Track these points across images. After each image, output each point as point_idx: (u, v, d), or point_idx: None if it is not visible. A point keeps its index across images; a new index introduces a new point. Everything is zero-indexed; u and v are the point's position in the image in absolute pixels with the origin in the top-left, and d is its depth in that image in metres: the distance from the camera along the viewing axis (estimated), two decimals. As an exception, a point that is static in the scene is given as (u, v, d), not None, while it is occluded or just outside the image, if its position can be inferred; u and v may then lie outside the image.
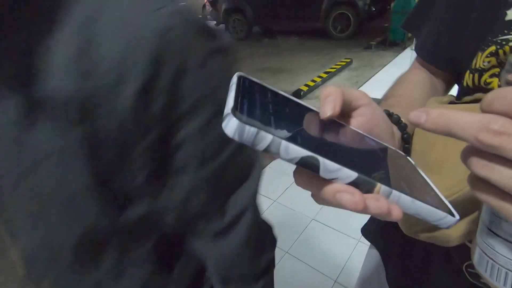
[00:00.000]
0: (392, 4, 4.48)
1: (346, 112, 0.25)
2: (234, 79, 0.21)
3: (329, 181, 0.18)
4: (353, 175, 0.17)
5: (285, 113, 0.21)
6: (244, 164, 0.37)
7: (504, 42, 0.30)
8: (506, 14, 0.30)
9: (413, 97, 0.42)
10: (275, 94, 0.23)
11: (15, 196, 0.32)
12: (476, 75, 0.33)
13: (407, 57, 4.18)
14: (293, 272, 1.48)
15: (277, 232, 1.66)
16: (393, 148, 0.27)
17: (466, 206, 0.23)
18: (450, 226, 0.19)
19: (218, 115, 0.29)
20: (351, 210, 0.17)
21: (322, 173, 0.17)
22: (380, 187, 0.18)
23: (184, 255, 0.41)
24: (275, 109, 0.20)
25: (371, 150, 0.23)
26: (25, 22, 0.28)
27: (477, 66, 0.33)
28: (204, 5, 7.99)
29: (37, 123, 0.28)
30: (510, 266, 0.20)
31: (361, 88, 3.48)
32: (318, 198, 0.19)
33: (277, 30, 7.54)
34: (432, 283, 0.40)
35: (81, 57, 0.28)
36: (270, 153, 0.16)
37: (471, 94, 0.35)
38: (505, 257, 0.20)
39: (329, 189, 0.18)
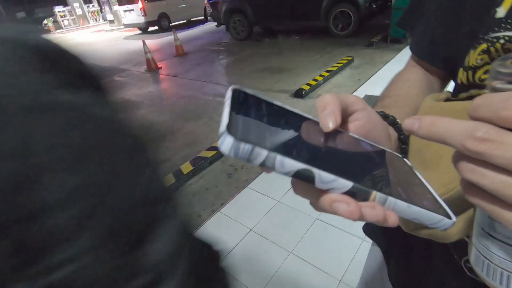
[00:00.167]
0: (392, 1, 4.46)
1: (342, 117, 0.25)
2: (229, 93, 0.21)
3: (325, 191, 0.18)
4: (348, 184, 0.18)
5: (280, 124, 0.21)
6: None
7: (495, 40, 0.30)
8: (496, 11, 0.30)
9: (410, 96, 0.42)
10: (271, 105, 0.23)
11: None
12: (470, 73, 0.33)
13: (408, 54, 4.13)
14: (298, 272, 1.47)
15: (281, 232, 1.67)
16: (390, 150, 0.27)
17: (463, 203, 0.23)
18: (447, 228, 0.19)
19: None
20: (347, 218, 0.18)
21: (317, 184, 0.18)
22: (376, 194, 0.18)
23: None
24: (270, 121, 0.21)
25: (367, 155, 0.23)
26: None
27: (470, 63, 0.33)
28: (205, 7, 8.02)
29: None
30: (506, 265, 0.20)
31: (363, 86, 3.47)
32: (316, 206, 0.20)
33: (277, 29, 7.54)
34: (433, 279, 0.40)
35: None
36: (266, 167, 0.17)
37: (467, 90, 0.35)
38: (500, 257, 0.21)
39: (325, 199, 0.18)
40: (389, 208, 0.19)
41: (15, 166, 0.14)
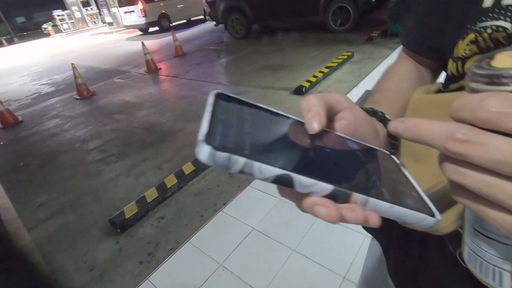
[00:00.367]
0: (391, -6, 4.42)
1: (328, 117, 0.25)
2: (211, 99, 0.21)
3: (306, 194, 0.18)
4: (328, 188, 0.18)
5: (264, 128, 0.21)
6: None
7: (482, 30, 0.29)
8: (483, 1, 0.30)
9: (400, 90, 0.42)
10: (256, 108, 0.23)
11: None
12: (459, 63, 0.33)
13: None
14: (301, 270, 1.47)
15: (283, 230, 1.68)
16: (377, 148, 0.27)
17: None
18: (431, 226, 0.19)
19: None
20: (327, 222, 0.18)
21: (297, 189, 0.18)
22: (357, 196, 0.19)
23: None
24: (254, 125, 0.21)
25: (353, 155, 0.23)
26: None
27: (459, 54, 0.33)
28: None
29: None
30: (497, 262, 0.21)
31: (363, 81, 3.45)
32: (300, 208, 0.20)
33: (276, 27, 7.52)
34: (430, 271, 0.40)
35: None
36: (245, 174, 0.17)
37: (457, 81, 0.34)
38: (491, 254, 0.21)
39: (306, 202, 0.19)
40: (371, 209, 0.19)
41: None
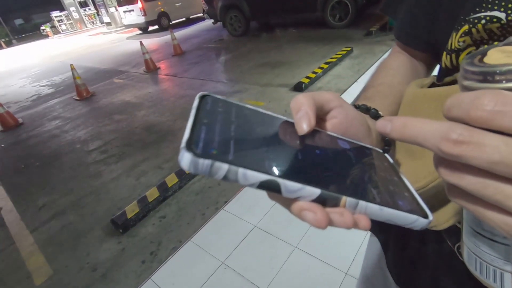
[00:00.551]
0: (390, -12, 4.38)
1: (319, 116, 0.24)
2: (196, 102, 0.21)
3: (294, 199, 0.18)
4: (316, 192, 0.18)
5: (251, 131, 0.21)
6: None
7: (476, 21, 0.29)
8: None
9: (393, 84, 0.41)
10: (242, 109, 0.23)
11: None
12: (453, 56, 0.33)
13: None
14: (304, 266, 1.47)
15: (285, 228, 1.68)
16: (370, 146, 0.26)
17: None
18: (423, 227, 0.19)
19: None
20: (315, 227, 0.17)
21: (284, 194, 0.17)
22: (346, 200, 0.18)
23: None
24: (240, 128, 0.20)
25: (343, 155, 0.23)
26: None
27: (453, 46, 0.32)
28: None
29: None
30: (497, 263, 0.20)
31: (363, 76, 3.43)
32: (290, 212, 0.20)
33: (275, 23, 7.49)
34: (428, 265, 0.40)
35: None
36: (230, 181, 0.16)
37: (451, 74, 0.34)
38: (491, 255, 0.20)
39: (294, 207, 0.18)
40: (360, 212, 0.18)
41: None
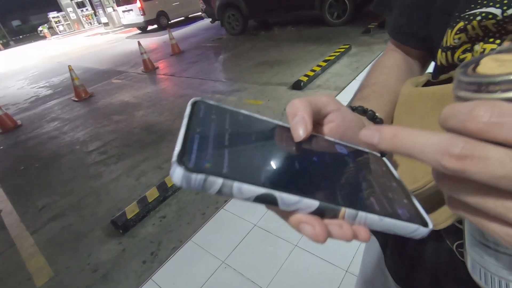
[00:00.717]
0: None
1: (316, 120, 0.24)
2: (188, 109, 0.20)
3: (292, 212, 0.17)
4: (314, 204, 0.17)
5: (246, 139, 0.20)
6: None
7: (471, 17, 0.28)
8: None
9: (389, 83, 0.41)
10: (236, 115, 0.22)
11: None
12: (449, 53, 0.32)
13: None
14: (304, 264, 1.47)
15: (285, 226, 1.70)
16: (367, 150, 0.26)
17: None
18: (423, 236, 0.18)
19: None
20: (314, 242, 0.17)
21: (281, 207, 0.17)
22: (345, 211, 0.17)
23: None
24: (235, 135, 0.19)
25: (341, 162, 0.22)
26: None
27: (448, 43, 0.32)
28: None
29: None
30: (502, 273, 0.20)
31: (362, 73, 3.43)
32: (288, 223, 0.19)
33: (273, 22, 7.47)
34: (427, 264, 0.40)
35: None
36: (224, 195, 0.16)
37: (447, 72, 0.34)
38: (495, 265, 0.20)
39: (292, 220, 0.18)
40: (360, 223, 0.18)
41: None
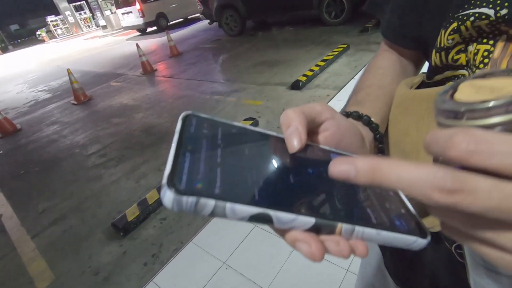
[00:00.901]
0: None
1: (310, 129, 0.24)
2: (179, 125, 0.19)
3: (287, 229, 0.17)
4: (310, 221, 0.17)
5: (238, 154, 0.19)
6: None
7: (465, 18, 0.28)
8: None
9: (383, 85, 0.40)
10: (228, 128, 0.21)
11: None
12: (443, 54, 0.32)
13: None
14: (305, 264, 1.47)
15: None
16: None
17: None
18: (422, 248, 0.18)
19: None
20: (311, 260, 0.17)
21: (277, 225, 0.16)
22: (342, 227, 0.17)
23: None
24: (226, 152, 0.19)
25: None
26: None
27: (442, 44, 0.31)
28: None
29: None
30: None
31: (360, 72, 3.42)
32: (285, 241, 0.19)
33: (271, 22, 7.48)
34: (426, 265, 0.40)
35: None
36: (217, 217, 0.15)
37: (441, 72, 0.34)
38: (497, 286, 0.20)
39: (288, 237, 0.17)
40: (357, 238, 0.18)
41: None
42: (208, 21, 7.81)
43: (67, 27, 21.94)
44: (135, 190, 2.36)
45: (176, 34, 9.05)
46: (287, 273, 1.46)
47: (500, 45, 0.27)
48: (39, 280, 1.77)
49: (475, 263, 0.20)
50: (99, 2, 15.55)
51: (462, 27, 0.29)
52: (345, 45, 4.26)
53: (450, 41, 0.30)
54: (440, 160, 0.16)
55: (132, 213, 2.00)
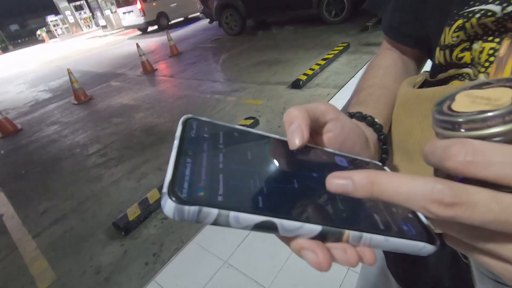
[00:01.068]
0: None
1: (314, 129, 0.23)
2: (179, 129, 0.19)
3: (293, 237, 0.17)
4: (316, 229, 0.16)
5: (240, 160, 0.19)
6: None
7: (470, 15, 0.27)
8: None
9: (385, 85, 0.40)
10: (229, 132, 0.21)
11: None
12: (447, 52, 0.31)
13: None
14: (306, 263, 1.47)
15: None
16: (368, 160, 0.25)
17: None
18: (430, 253, 0.18)
19: None
20: (318, 270, 0.16)
21: (282, 233, 0.16)
22: (349, 234, 0.17)
23: None
24: (227, 157, 0.18)
25: None
26: None
27: (446, 42, 0.31)
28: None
29: None
30: None
31: (361, 71, 3.42)
32: (291, 249, 0.18)
33: (271, 21, 7.47)
34: (429, 265, 0.40)
35: None
36: (220, 225, 0.15)
37: (445, 71, 0.33)
38: None
39: (294, 245, 0.17)
40: (365, 245, 0.17)
41: None
42: (208, 20, 7.80)
43: (67, 27, 21.93)
44: (136, 189, 2.36)
45: (176, 34, 9.05)
46: (288, 272, 1.46)
47: (506, 43, 0.26)
48: (41, 280, 1.77)
49: (481, 274, 0.20)
50: (99, 2, 15.54)
51: (467, 25, 0.28)
52: (345, 44, 4.26)
53: (454, 39, 0.29)
54: (440, 170, 0.16)
55: (133, 212, 2.00)
